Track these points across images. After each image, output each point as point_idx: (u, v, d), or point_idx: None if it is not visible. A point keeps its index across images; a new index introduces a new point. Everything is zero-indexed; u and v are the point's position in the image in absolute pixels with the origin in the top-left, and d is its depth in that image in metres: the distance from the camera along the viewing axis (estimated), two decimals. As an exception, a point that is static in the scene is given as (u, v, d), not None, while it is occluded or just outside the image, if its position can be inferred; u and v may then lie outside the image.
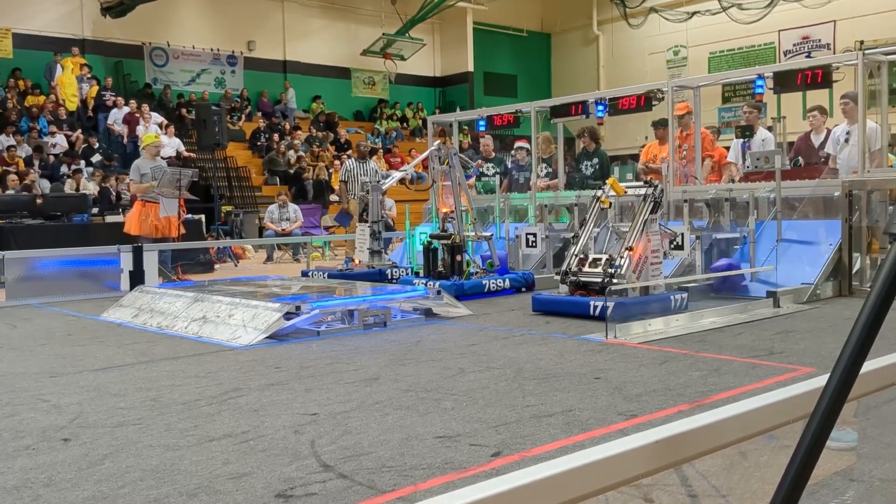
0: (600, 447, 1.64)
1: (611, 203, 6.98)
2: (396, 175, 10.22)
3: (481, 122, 11.10)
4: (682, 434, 1.68)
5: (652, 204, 6.45)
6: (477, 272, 8.39)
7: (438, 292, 6.83)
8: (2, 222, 11.66)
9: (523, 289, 8.38)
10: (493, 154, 11.75)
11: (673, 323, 5.84)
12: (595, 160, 10.55)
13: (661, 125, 9.82)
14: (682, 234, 7.05)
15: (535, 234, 8.86)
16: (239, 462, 2.93)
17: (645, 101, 8.99)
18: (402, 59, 25.93)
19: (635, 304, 6.09)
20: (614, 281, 6.23)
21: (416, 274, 8.73)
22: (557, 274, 8.96)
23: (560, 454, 1.78)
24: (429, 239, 8.53)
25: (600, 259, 6.56)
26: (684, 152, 9.40)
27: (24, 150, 15.79)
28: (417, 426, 3.34)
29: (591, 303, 6.19)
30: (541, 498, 1.54)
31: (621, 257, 6.38)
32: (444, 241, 8.30)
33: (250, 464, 2.90)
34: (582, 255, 6.72)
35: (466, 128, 20.36)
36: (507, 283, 8.29)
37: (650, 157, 10.19)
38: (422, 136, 25.34)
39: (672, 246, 7.38)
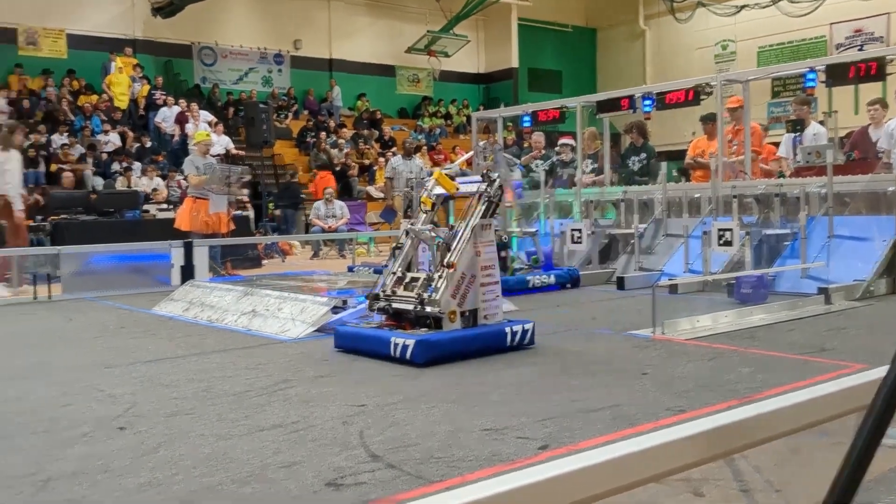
0: (650, 435, 1.65)
1: (434, 204, 5.25)
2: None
3: (526, 118, 11.07)
4: (733, 424, 1.67)
5: (486, 204, 4.93)
6: (522, 268, 8.38)
7: (484, 287, 6.81)
8: (57, 218, 11.97)
9: (568, 285, 8.35)
10: (544, 150, 11.70)
11: (721, 319, 5.76)
12: (642, 155, 10.45)
13: (709, 120, 9.69)
14: (731, 230, 6.96)
15: (580, 230, 8.82)
16: (289, 451, 2.98)
17: (693, 96, 8.88)
18: (447, 55, 25.96)
19: (451, 342, 4.62)
20: (427, 309, 4.74)
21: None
22: (603, 269, 8.94)
23: (609, 445, 1.78)
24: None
25: (417, 279, 4.97)
26: (734, 147, 9.27)
27: (78, 150, 16.18)
28: (464, 419, 3.36)
29: (392, 340, 4.62)
30: (591, 484, 1.55)
31: (440, 276, 4.79)
32: (489, 237, 8.28)
33: (300, 453, 2.95)
34: (400, 274, 5.09)
35: (511, 124, 20.30)
36: (552, 279, 8.26)
37: (698, 152, 10.06)
38: (466, 132, 25.33)
39: (720, 242, 7.29)
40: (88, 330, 6.43)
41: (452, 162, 13.74)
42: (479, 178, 5.14)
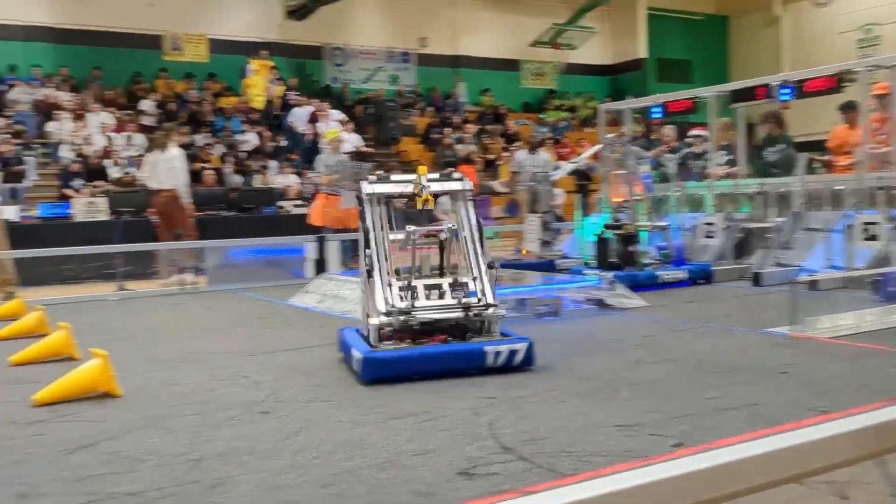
0: (791, 434, 1.60)
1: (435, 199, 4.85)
2: (567, 166, 10.17)
3: (656, 109, 10.80)
4: (882, 424, 1.60)
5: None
6: (652, 263, 8.21)
7: (612, 283, 6.75)
8: (200, 214, 12.65)
9: (700, 280, 8.11)
10: (675, 143, 11.39)
11: (866, 318, 5.46)
12: (780, 146, 10.00)
13: (850, 108, 9.16)
14: (877, 224, 6.58)
15: (713, 224, 8.54)
16: (422, 440, 3.06)
17: (836, 83, 8.42)
18: (572, 48, 25.66)
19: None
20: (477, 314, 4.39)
21: (587, 265, 8.67)
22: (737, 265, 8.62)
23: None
24: (601, 229, 8.43)
25: (437, 286, 4.51)
26: (882, 137, 8.72)
27: (219, 149, 17.03)
28: (595, 414, 3.35)
29: (486, 349, 4.22)
30: (728, 482, 1.53)
31: (475, 278, 4.53)
32: (617, 232, 8.18)
33: (433, 442, 3.02)
34: (403, 284, 4.47)
35: (639, 116, 19.86)
36: (684, 274, 8.05)
37: (839, 142, 9.53)
38: (592, 125, 24.96)
39: (865, 236, 6.91)
40: (231, 320, 6.78)
41: (579, 155, 13.56)
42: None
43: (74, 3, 19.46)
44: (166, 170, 9.83)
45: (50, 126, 16.70)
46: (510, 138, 21.76)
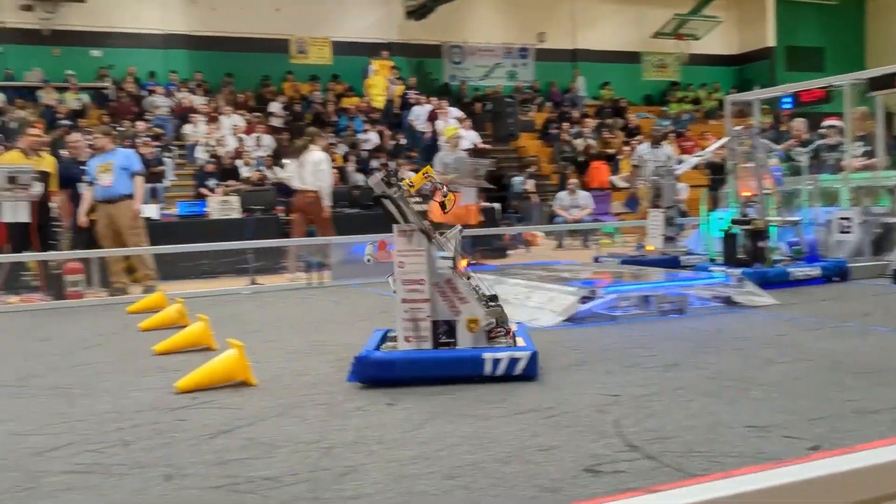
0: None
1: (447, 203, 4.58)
2: (692, 160, 9.90)
3: (786, 100, 10.34)
4: None
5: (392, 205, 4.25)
6: (782, 259, 7.88)
7: (740, 279, 6.53)
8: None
9: (835, 278, 7.72)
10: (806, 135, 10.87)
11: None
12: (923, 136, 9.38)
13: None
14: None
15: (849, 219, 8.11)
16: (546, 435, 3.06)
17: None
18: (696, 38, 24.90)
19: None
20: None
21: (713, 261, 8.41)
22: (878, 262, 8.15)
23: None
24: (728, 224, 8.16)
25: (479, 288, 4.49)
26: None
27: (342, 148, 17.52)
28: (724, 414, 3.25)
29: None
30: (869, 487, 1.45)
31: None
32: (745, 227, 7.89)
33: (557, 438, 3.02)
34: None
35: (767, 107, 19.06)
36: (817, 271, 7.68)
37: None
38: (716, 117, 24.14)
39: None
40: (356, 313, 6.97)
41: (703, 149, 13.16)
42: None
43: (208, 11, 20.45)
44: (312, 172, 10.25)
45: (186, 129, 17.64)
46: (631, 132, 21.34)
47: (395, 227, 4.25)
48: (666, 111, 23.71)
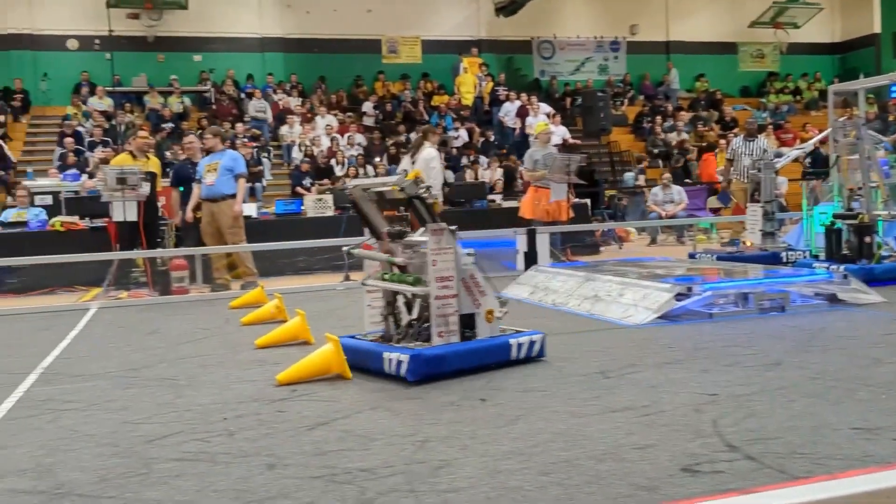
0: None
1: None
2: (792, 153, 9.56)
3: (894, 88, 9.85)
4: None
5: (423, 206, 4.41)
6: (890, 256, 7.53)
7: (845, 276, 6.27)
8: (415, 209, 13.21)
9: (950, 275, 7.32)
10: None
11: None
12: None
13: None
14: None
15: (965, 213, 7.67)
16: (642, 434, 3.02)
17: None
18: (795, 26, 24.00)
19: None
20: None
21: (815, 257, 8.11)
22: None
23: None
24: (831, 219, 7.85)
25: None
26: None
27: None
28: (829, 415, 3.14)
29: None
30: None
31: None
32: (850, 222, 7.57)
33: (653, 436, 2.98)
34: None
35: (872, 96, 18.24)
36: (928, 268, 7.30)
37: None
38: (818, 108, 23.22)
39: None
40: (446, 310, 7.02)
41: (805, 141, 12.68)
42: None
43: (303, 14, 20.95)
44: (423, 168, 10.42)
45: (282, 130, 18.12)
46: (727, 125, 20.75)
47: (427, 226, 4.33)
48: (764, 103, 22.94)
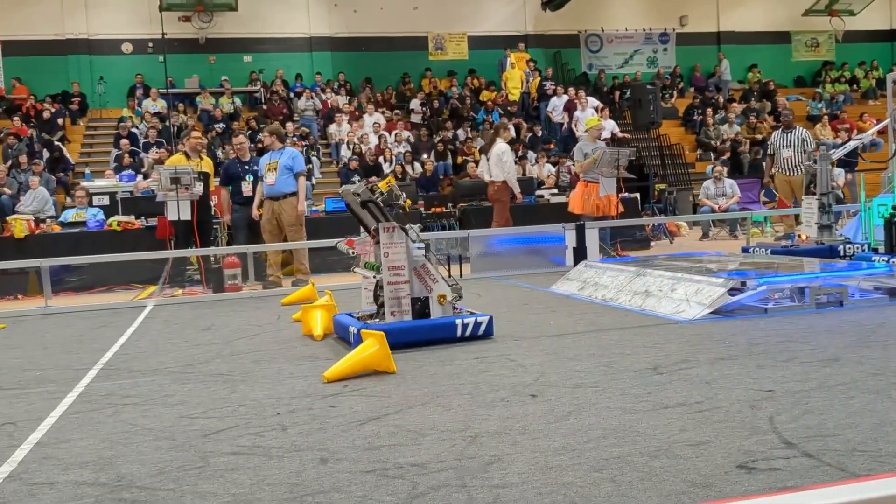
0: None
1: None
2: (850, 144, 9.31)
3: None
4: None
5: (374, 207, 5.28)
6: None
7: (905, 270, 6.10)
8: (465, 205, 13.21)
9: None
10: None
11: None
12: None
13: None
14: None
15: None
16: (695, 430, 2.98)
17: None
18: (852, 14, 23.38)
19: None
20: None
21: (875, 250, 7.89)
22: None
23: None
24: (891, 211, 7.63)
25: None
26: None
27: (479, 142, 17.63)
28: (890, 412, 3.06)
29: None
30: None
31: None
32: (911, 213, 7.35)
33: (707, 433, 2.93)
34: None
35: (935, 84, 17.63)
36: None
37: None
38: (876, 97, 22.59)
39: None
40: (496, 305, 7.01)
41: (864, 132, 12.34)
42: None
43: (350, 13, 21.10)
44: (496, 163, 10.57)
45: (331, 128, 18.28)
46: (780, 116, 20.30)
47: (379, 224, 5.17)
48: (819, 93, 22.39)
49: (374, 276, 5.35)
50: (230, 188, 9.88)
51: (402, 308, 5.15)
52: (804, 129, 11.57)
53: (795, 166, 11.03)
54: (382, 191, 5.39)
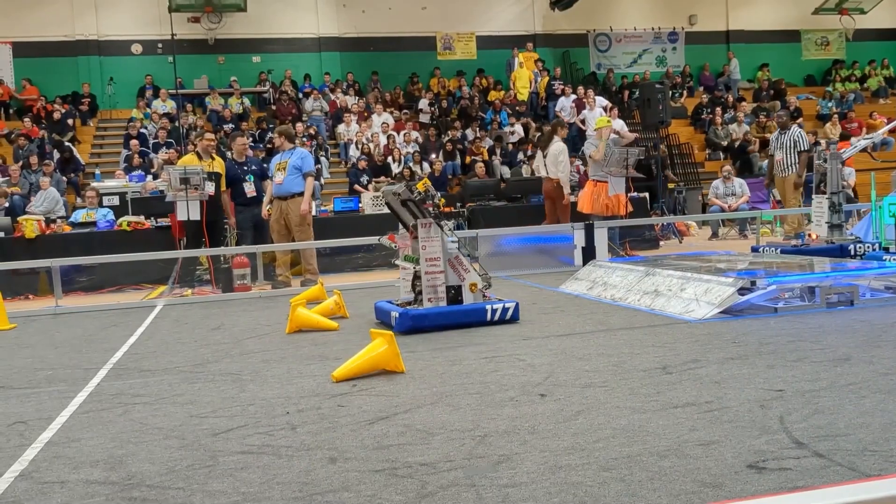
0: None
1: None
2: (860, 143, 9.27)
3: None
4: None
5: (413, 205, 5.87)
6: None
7: (917, 269, 6.07)
8: (473, 205, 13.20)
9: None
10: None
11: None
12: None
13: None
14: None
15: None
16: (705, 430, 2.97)
17: None
18: (862, 12, 23.27)
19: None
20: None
21: (886, 249, 7.85)
22: None
23: None
24: (902, 210, 7.60)
25: None
26: None
27: (487, 142, 17.63)
28: (902, 412, 3.04)
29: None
30: None
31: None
32: (923, 213, 7.31)
33: (717, 433, 2.92)
34: None
35: (946, 82, 17.55)
36: None
37: None
38: (887, 96, 22.49)
39: None
40: (504, 306, 7.01)
41: (875, 130, 12.27)
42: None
43: (358, 13, 21.13)
44: (553, 161, 10.64)
45: (339, 128, 18.30)
46: (791, 115, 20.20)
47: (417, 221, 5.77)
48: (830, 91, 22.29)
49: (414, 268, 5.92)
50: (231, 190, 9.93)
51: (437, 295, 5.74)
52: (798, 130, 11.46)
53: (788, 167, 10.98)
54: (420, 191, 5.83)
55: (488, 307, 5.75)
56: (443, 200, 5.76)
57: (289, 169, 9.28)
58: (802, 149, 10.87)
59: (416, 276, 5.91)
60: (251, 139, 16.60)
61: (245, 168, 9.87)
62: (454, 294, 5.81)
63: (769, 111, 20.54)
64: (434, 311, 5.66)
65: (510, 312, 5.80)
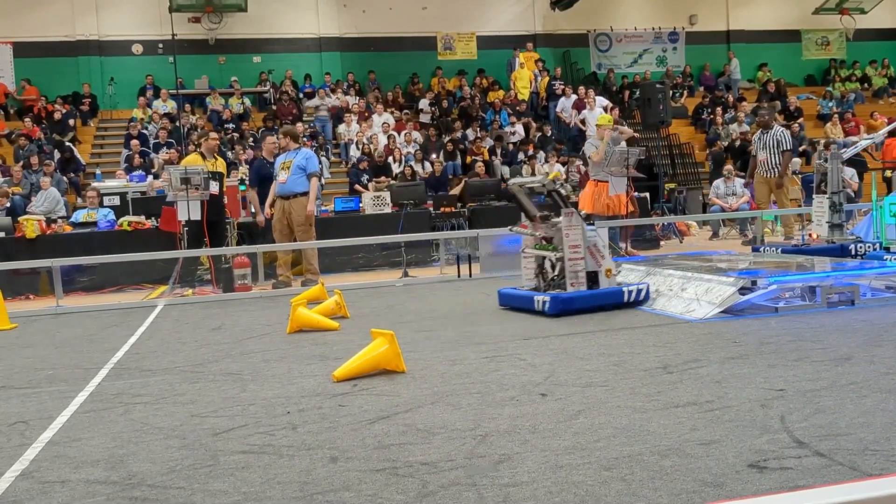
0: None
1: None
2: (861, 143, 9.27)
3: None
4: None
5: (558, 196, 6.41)
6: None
7: (918, 269, 6.06)
8: (473, 205, 13.19)
9: None
10: None
11: None
12: None
13: None
14: None
15: None
16: (706, 429, 2.97)
17: None
18: (862, 12, 23.26)
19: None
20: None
21: (887, 249, 7.85)
22: None
23: None
24: (903, 210, 7.59)
25: None
26: None
27: (488, 142, 17.62)
28: (903, 411, 3.04)
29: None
30: None
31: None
32: (923, 212, 7.31)
33: (718, 432, 2.92)
34: None
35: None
36: None
37: None
38: (888, 96, 22.48)
39: None
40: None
41: (877, 131, 12.27)
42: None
43: (359, 13, 21.12)
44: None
45: (340, 128, 18.30)
46: (791, 115, 20.23)
47: (562, 210, 6.16)
48: (830, 91, 22.28)
49: (555, 256, 6.26)
50: (257, 188, 10.00)
51: (578, 280, 6.16)
52: (781, 129, 11.31)
53: (773, 167, 10.79)
54: (561, 182, 6.25)
55: (625, 289, 6.21)
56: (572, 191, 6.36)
57: (293, 168, 9.29)
58: (786, 148, 10.74)
59: (546, 263, 6.35)
60: (253, 139, 16.62)
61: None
62: (591, 278, 6.23)
63: (769, 111, 20.51)
64: (580, 295, 6.08)
65: (643, 293, 6.24)
